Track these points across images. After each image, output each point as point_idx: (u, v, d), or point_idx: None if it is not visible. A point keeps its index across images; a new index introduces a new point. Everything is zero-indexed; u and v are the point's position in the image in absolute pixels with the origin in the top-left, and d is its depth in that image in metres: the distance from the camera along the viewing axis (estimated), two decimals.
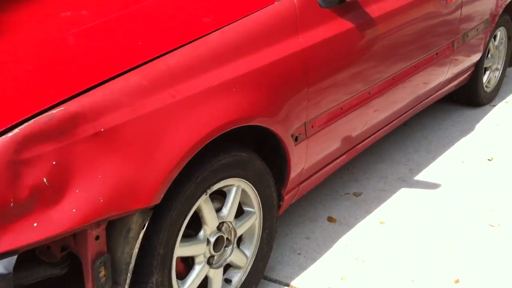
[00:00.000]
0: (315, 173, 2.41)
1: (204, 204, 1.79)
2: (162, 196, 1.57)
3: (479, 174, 3.07)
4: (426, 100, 3.18)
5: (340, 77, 2.26)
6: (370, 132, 2.74)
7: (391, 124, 2.92)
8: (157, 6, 2.11)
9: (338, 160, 2.58)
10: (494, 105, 3.90)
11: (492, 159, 3.21)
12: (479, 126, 3.61)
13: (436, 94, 3.27)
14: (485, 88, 3.81)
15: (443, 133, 3.53)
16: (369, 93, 2.49)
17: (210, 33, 1.82)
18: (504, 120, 3.68)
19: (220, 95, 1.75)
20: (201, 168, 1.73)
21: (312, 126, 2.19)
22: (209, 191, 1.79)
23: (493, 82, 3.93)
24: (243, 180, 1.94)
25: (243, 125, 1.83)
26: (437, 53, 2.95)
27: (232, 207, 1.91)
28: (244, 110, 1.82)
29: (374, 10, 2.41)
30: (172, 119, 1.60)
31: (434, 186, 2.97)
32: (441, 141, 3.44)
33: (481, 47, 3.47)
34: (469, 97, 3.80)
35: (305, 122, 2.14)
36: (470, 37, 3.24)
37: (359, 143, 2.70)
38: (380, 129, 2.84)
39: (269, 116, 1.94)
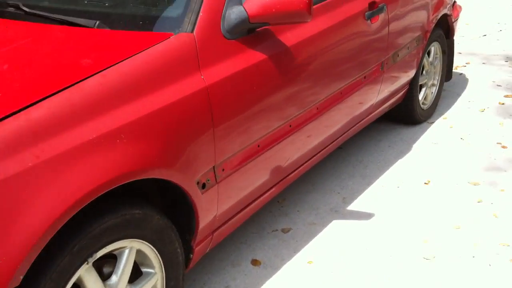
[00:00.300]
0: (233, 217, 2.21)
1: (86, 275, 1.55)
2: (21, 277, 1.33)
3: (415, 200, 2.92)
4: (359, 123, 3.02)
5: (252, 113, 2.06)
6: (301, 161, 2.57)
7: (322, 151, 2.75)
8: (25, 48, 1.87)
9: (263, 197, 2.38)
10: (432, 122, 3.78)
11: (428, 182, 3.07)
12: (416, 146, 3.48)
13: (369, 117, 3.11)
14: (421, 106, 3.69)
15: (379, 156, 3.39)
16: (290, 125, 2.30)
17: (88, 77, 1.59)
18: (441, 138, 3.57)
19: (100, 150, 1.52)
20: (77, 236, 1.49)
21: (223, 170, 1.99)
22: (92, 260, 1.55)
23: (430, 98, 3.81)
24: (138, 240, 1.71)
25: (132, 180, 1.61)
26: (365, 76, 2.79)
27: (123, 273, 1.68)
28: (133, 164, 1.60)
29: (290, 38, 2.22)
30: (33, 185, 1.36)
31: (367, 216, 2.81)
32: (376, 165, 3.29)
33: (414, 65, 3.34)
34: (406, 115, 3.67)
35: (213, 166, 1.93)
36: (401, 56, 3.11)
37: (288, 175, 2.52)
38: (313, 156, 2.68)
39: (166, 166, 1.72)
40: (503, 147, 3.41)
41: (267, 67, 2.10)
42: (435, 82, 3.82)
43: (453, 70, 4.62)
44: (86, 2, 2.14)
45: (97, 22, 1.93)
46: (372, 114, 3.13)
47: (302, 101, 2.34)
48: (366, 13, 2.67)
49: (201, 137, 1.85)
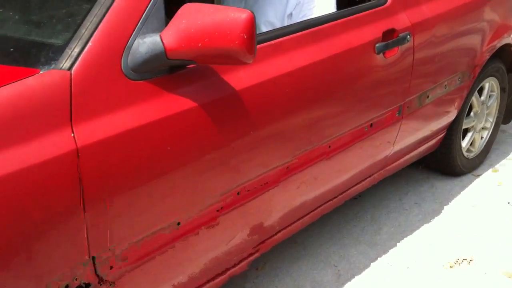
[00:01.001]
0: None
1: None
2: None
3: None
4: (365, 181, 2.35)
5: (156, 190, 1.47)
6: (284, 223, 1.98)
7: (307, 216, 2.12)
8: None
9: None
10: (478, 175, 3.01)
11: (453, 265, 2.35)
12: (449, 209, 2.73)
13: (381, 171, 2.42)
14: (465, 154, 2.93)
15: (400, 216, 2.67)
16: (220, 206, 1.68)
17: None
18: (483, 198, 2.78)
19: None
20: None
21: (112, 267, 1.41)
22: None
23: (479, 145, 3.04)
24: None
25: None
26: (371, 124, 2.11)
27: None
28: None
29: (243, 78, 1.60)
30: None
31: None
32: (392, 229, 2.58)
33: (455, 106, 2.60)
34: (442, 165, 2.93)
35: (83, 263, 1.35)
36: (433, 97, 2.38)
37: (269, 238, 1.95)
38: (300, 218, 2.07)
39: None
40: None
41: (196, 120, 1.48)
42: (488, 125, 3.04)
43: None
44: None
45: None
46: (387, 168, 2.44)
47: (260, 160, 1.71)
48: (377, 45, 1.98)
49: (68, 226, 1.28)
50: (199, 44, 1.34)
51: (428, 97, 2.35)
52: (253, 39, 1.33)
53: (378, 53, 1.98)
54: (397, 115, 2.21)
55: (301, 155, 1.85)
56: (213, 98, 1.51)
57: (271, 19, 2.09)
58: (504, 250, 2.42)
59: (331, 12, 1.99)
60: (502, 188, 2.86)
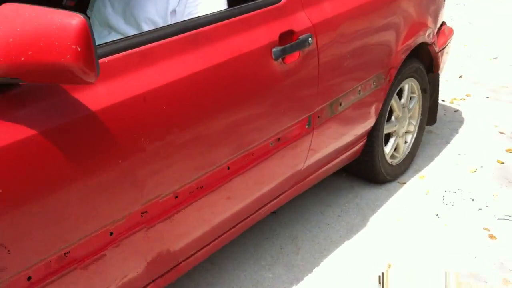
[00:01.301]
0: None
1: None
2: None
3: None
4: (277, 199, 2.11)
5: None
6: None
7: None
8: None
9: None
10: (404, 183, 2.82)
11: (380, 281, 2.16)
12: (373, 222, 2.53)
13: (296, 187, 2.20)
14: (388, 161, 2.74)
15: (321, 232, 2.45)
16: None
17: None
18: (409, 210, 2.60)
19: None
20: None
21: None
22: None
23: (404, 150, 2.86)
24: None
25: None
26: (278, 138, 1.88)
27: None
28: None
29: (102, 94, 1.33)
30: None
31: None
32: (314, 247, 2.36)
33: (373, 112, 2.39)
34: (365, 173, 2.74)
35: None
36: (345, 104, 2.17)
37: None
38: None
39: None
40: (491, 236, 2.41)
41: (36, 151, 1.20)
42: (411, 128, 2.87)
43: (449, 104, 3.66)
44: None
45: None
46: (302, 182, 2.21)
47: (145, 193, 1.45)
48: (273, 50, 1.75)
49: None
50: (22, 59, 1.06)
51: (340, 104, 2.13)
52: (90, 51, 1.05)
53: (276, 59, 1.74)
54: (306, 127, 1.98)
55: (191, 184, 1.59)
56: (59, 122, 1.23)
57: (152, 16, 1.82)
58: (431, 267, 2.24)
59: (219, 10, 1.74)
60: (429, 198, 2.68)
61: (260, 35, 1.70)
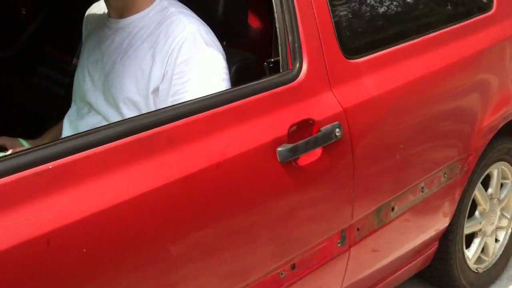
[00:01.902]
0: None
1: None
2: None
3: None
4: None
5: None
6: None
7: None
8: None
9: None
10: None
11: None
12: None
13: None
14: (472, 268, 2.09)
15: None
16: None
17: None
18: None
19: None
20: None
21: None
22: None
23: (495, 251, 2.19)
24: None
25: None
26: (293, 265, 1.31)
27: None
28: None
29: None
30: None
31: None
32: None
33: (445, 212, 1.78)
34: (439, 282, 2.10)
35: None
36: (401, 208, 1.57)
37: None
38: None
39: None
40: None
41: None
42: (504, 223, 2.20)
43: None
44: None
45: None
46: None
47: None
48: (279, 149, 1.23)
49: None
50: None
51: (393, 209, 1.55)
52: None
53: (283, 161, 1.23)
54: (339, 245, 1.43)
55: None
56: None
57: (132, 96, 1.41)
58: None
59: (212, 91, 1.27)
60: None
61: (260, 129, 1.20)
